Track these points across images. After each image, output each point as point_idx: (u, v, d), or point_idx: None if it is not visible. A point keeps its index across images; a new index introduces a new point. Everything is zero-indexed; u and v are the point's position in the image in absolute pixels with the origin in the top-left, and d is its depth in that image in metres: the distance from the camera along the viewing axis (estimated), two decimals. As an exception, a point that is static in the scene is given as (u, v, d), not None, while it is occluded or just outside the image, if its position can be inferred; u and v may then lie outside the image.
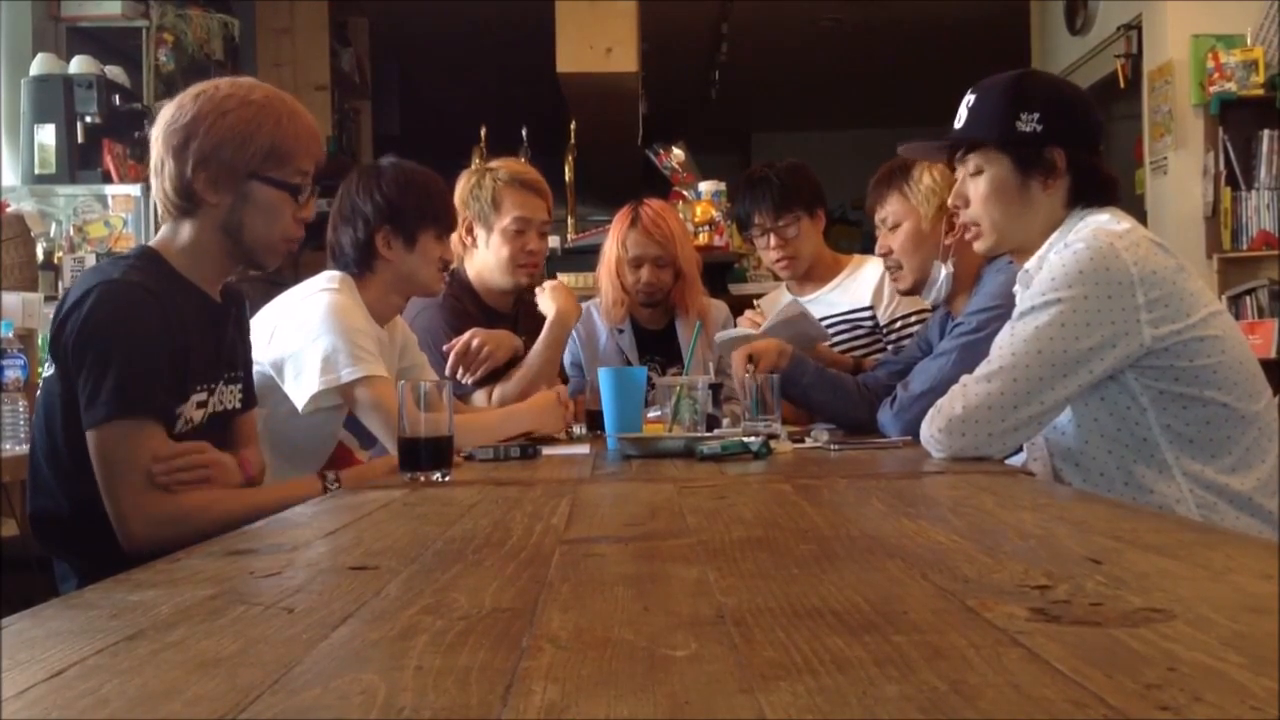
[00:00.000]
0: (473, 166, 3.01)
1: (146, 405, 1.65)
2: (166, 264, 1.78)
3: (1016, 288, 1.92)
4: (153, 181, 1.81)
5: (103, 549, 1.67)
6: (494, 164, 2.91)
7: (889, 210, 2.43)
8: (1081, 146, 1.86)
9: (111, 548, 1.63)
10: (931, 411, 1.79)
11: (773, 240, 3.00)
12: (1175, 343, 1.71)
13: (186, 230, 1.79)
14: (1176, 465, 1.74)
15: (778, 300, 3.17)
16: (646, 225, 2.94)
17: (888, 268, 2.51)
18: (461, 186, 2.86)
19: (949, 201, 2.00)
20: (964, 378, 1.77)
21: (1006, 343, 1.73)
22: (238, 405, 1.94)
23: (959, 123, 1.93)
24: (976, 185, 1.91)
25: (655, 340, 3.07)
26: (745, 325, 2.78)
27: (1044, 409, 1.71)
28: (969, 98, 1.93)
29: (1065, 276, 1.70)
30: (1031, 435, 1.78)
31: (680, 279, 2.99)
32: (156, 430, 1.67)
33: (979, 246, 1.96)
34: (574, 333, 3.03)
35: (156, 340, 1.68)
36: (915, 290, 2.46)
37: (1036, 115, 1.83)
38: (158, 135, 1.76)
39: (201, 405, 1.82)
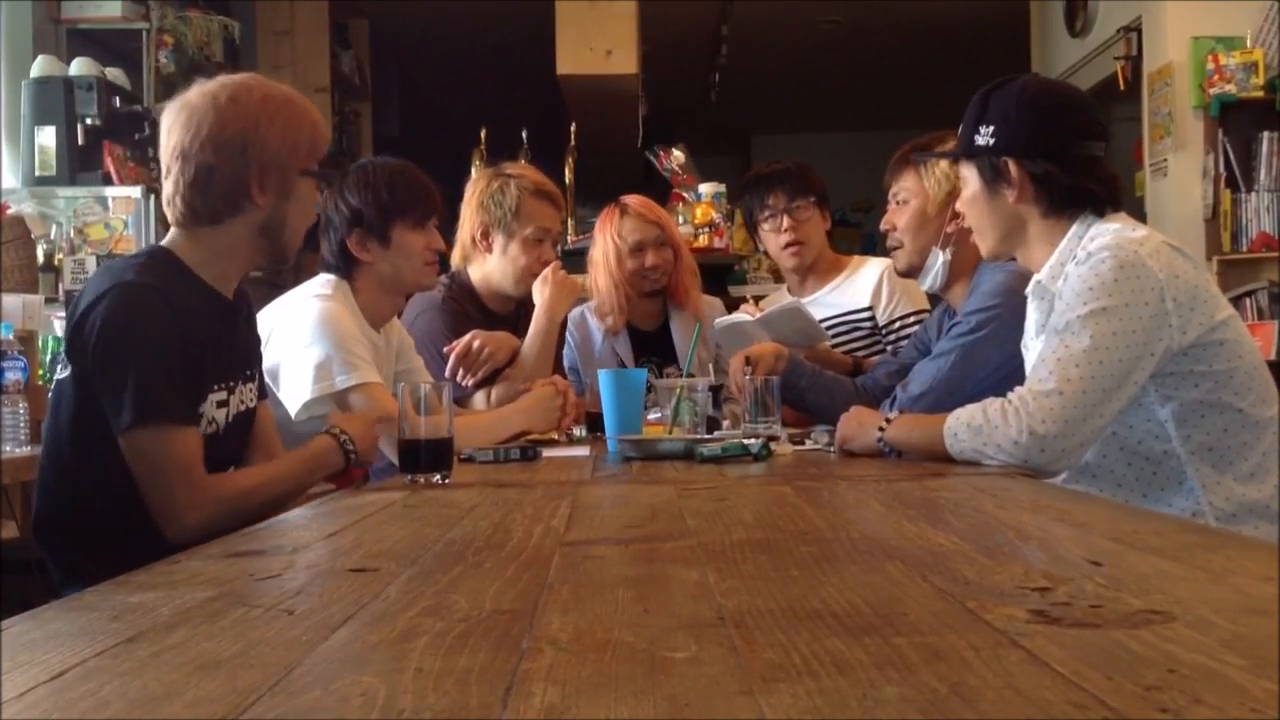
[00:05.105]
0: (490, 170, 2.98)
1: (171, 407, 1.66)
2: (180, 264, 1.77)
3: (1030, 301, 1.92)
4: (180, 190, 1.75)
5: (102, 552, 1.67)
6: (512, 170, 2.87)
7: (902, 186, 2.42)
8: (1038, 154, 1.83)
9: (112, 551, 1.64)
10: (990, 417, 1.68)
11: (785, 222, 3.00)
12: (1197, 346, 1.72)
13: (214, 233, 1.78)
14: (1196, 477, 1.74)
15: (778, 302, 3.17)
16: (638, 210, 2.98)
17: (889, 246, 2.49)
18: (479, 189, 2.83)
19: (957, 205, 2.03)
20: (1019, 391, 1.71)
21: (1066, 356, 1.68)
22: (254, 403, 1.94)
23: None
24: (964, 195, 1.97)
25: (650, 341, 3.06)
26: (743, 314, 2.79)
27: (1104, 421, 1.69)
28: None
29: (1101, 286, 1.69)
30: (1087, 450, 1.75)
31: (678, 259, 3.01)
32: (186, 429, 1.68)
33: (982, 253, 2.02)
34: (569, 337, 3.02)
35: (173, 342, 1.68)
36: (911, 273, 2.45)
37: (991, 128, 1.86)
38: (197, 141, 1.72)
39: (222, 405, 1.82)
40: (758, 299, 3.16)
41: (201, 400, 1.76)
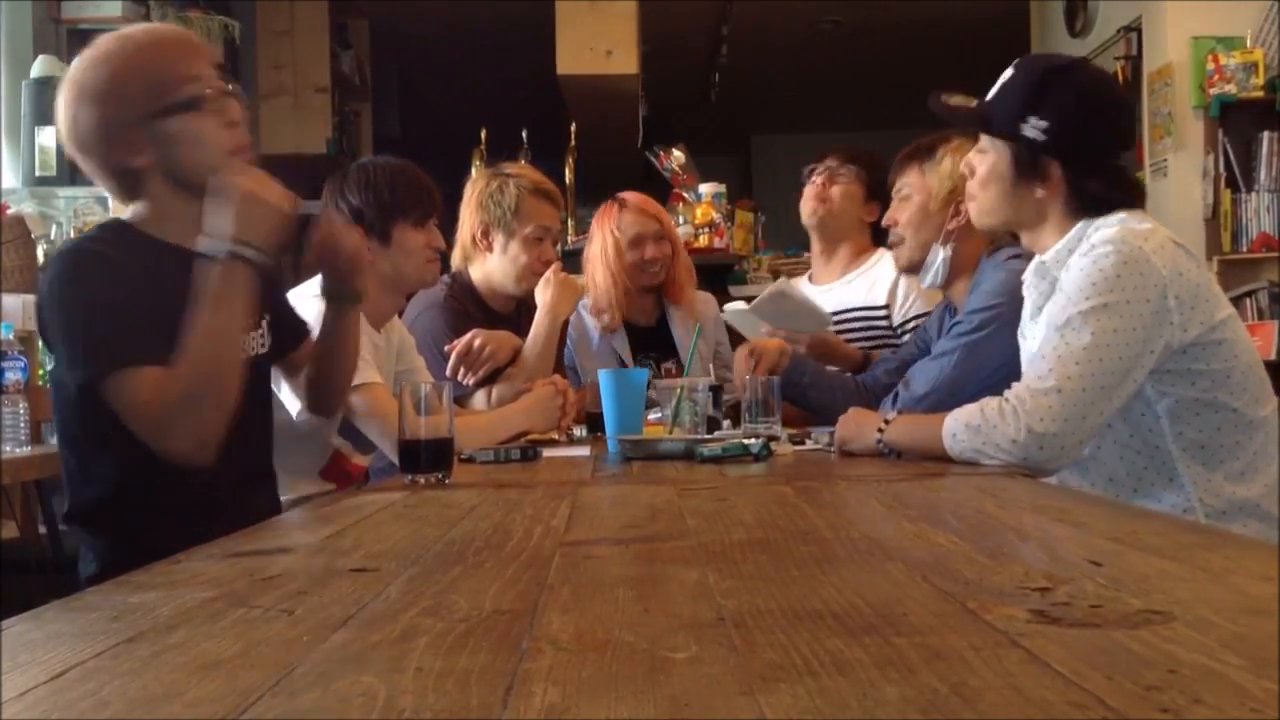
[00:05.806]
0: (488, 170, 3.00)
1: (118, 354, 1.60)
2: (136, 231, 1.75)
3: (1029, 277, 1.91)
4: (98, 182, 1.80)
5: (137, 527, 1.67)
6: (510, 170, 2.89)
7: (905, 182, 2.43)
8: (1085, 161, 1.82)
9: (146, 525, 1.66)
10: (989, 417, 1.68)
11: (820, 180, 3.06)
12: (1196, 345, 1.72)
13: (148, 203, 1.77)
14: (1187, 474, 1.74)
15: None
16: (637, 205, 3.01)
17: (890, 242, 2.49)
18: (478, 190, 2.85)
19: (960, 167, 2.01)
20: (1017, 389, 1.70)
21: (1066, 353, 1.67)
22: (263, 349, 1.88)
23: (990, 93, 1.91)
24: (982, 162, 1.92)
25: (648, 337, 3.07)
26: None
27: (1103, 418, 1.69)
28: (1008, 72, 1.89)
29: (1104, 281, 1.69)
30: (1085, 448, 1.75)
31: (675, 255, 3.04)
32: (139, 370, 1.59)
33: (973, 219, 1.99)
34: (568, 334, 3.03)
35: (114, 297, 1.63)
36: (913, 269, 2.45)
37: (1045, 124, 1.80)
38: (71, 143, 1.74)
39: None
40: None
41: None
